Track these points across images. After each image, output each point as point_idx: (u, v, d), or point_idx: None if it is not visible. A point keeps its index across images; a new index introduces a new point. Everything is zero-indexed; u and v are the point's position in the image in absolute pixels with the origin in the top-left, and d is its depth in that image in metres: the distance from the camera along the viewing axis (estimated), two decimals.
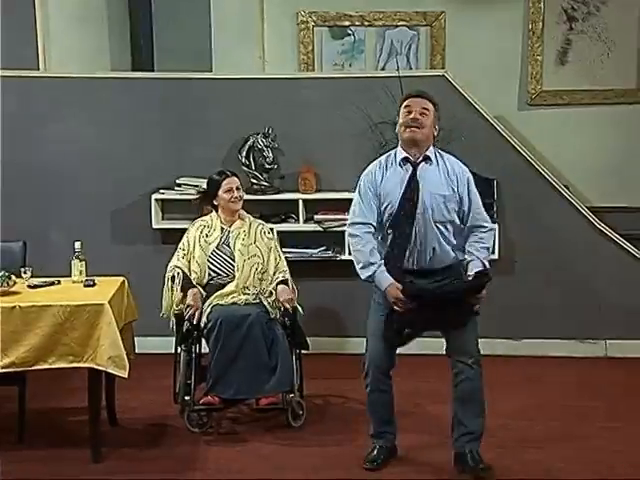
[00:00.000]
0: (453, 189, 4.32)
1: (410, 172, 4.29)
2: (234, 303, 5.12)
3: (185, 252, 5.27)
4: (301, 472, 4.48)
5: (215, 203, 5.34)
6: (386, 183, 4.32)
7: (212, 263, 5.24)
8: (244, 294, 5.17)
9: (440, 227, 4.28)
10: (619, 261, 6.34)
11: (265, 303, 5.15)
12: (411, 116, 4.30)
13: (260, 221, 5.45)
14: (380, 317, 4.34)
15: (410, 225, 4.22)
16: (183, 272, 5.18)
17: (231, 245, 5.26)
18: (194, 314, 5.05)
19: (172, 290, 5.17)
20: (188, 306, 5.05)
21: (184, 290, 5.14)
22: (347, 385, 5.45)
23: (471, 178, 4.40)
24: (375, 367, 4.38)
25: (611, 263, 6.35)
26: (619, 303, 6.34)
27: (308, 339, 5.25)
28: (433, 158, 4.35)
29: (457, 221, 4.33)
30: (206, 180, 5.47)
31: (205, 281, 5.23)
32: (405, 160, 4.32)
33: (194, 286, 5.16)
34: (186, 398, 5.05)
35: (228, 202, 5.28)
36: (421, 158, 4.31)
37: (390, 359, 4.41)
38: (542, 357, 6.31)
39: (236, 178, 5.36)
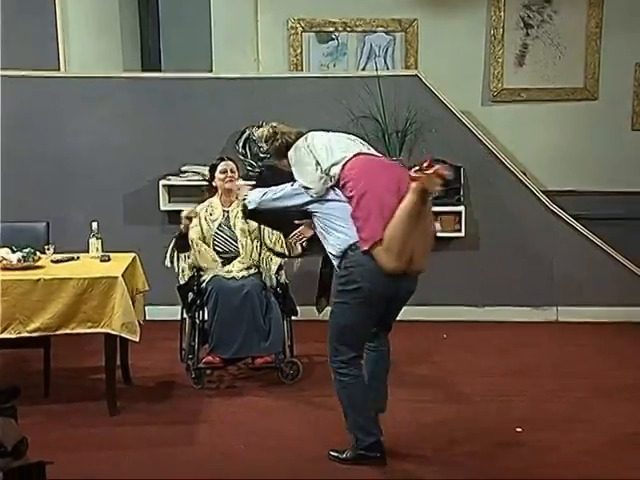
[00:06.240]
0: None
1: None
2: (233, 277, 5.11)
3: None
4: (294, 423, 4.51)
5: (214, 185, 5.32)
6: None
7: (215, 242, 5.22)
8: (245, 269, 5.16)
9: None
10: (569, 238, 6.36)
11: (264, 271, 5.16)
12: None
13: None
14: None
15: None
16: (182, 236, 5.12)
17: (231, 225, 5.24)
18: (187, 225, 5.04)
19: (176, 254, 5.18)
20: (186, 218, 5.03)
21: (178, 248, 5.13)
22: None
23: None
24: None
25: (562, 240, 6.37)
26: (569, 275, 6.38)
27: (298, 307, 5.25)
28: None
29: None
30: (207, 168, 5.46)
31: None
32: None
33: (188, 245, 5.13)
34: (190, 357, 5.07)
35: (223, 181, 5.25)
36: None
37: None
38: (502, 322, 6.34)
39: (232, 163, 5.33)
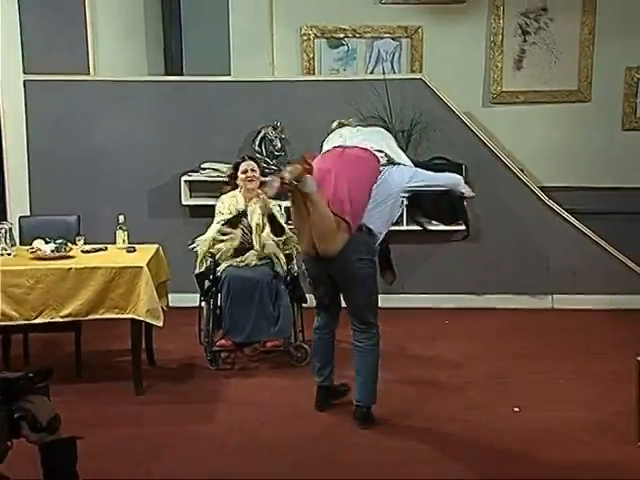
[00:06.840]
0: None
1: None
2: (246, 265, 5.16)
3: (223, 218, 5.22)
4: (304, 402, 4.52)
5: (236, 182, 5.34)
6: None
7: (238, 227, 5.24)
8: (258, 258, 5.20)
9: None
10: (564, 231, 6.38)
11: (274, 260, 5.16)
12: None
13: (271, 200, 5.40)
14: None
15: None
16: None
17: (249, 219, 5.26)
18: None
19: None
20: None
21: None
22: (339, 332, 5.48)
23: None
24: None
25: (558, 233, 6.39)
26: (563, 265, 6.40)
27: (307, 295, 5.27)
28: None
29: None
30: (228, 165, 5.48)
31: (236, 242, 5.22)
32: None
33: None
34: (206, 340, 5.13)
35: (244, 180, 5.29)
36: None
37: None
38: (500, 309, 6.37)
39: (253, 162, 5.35)
